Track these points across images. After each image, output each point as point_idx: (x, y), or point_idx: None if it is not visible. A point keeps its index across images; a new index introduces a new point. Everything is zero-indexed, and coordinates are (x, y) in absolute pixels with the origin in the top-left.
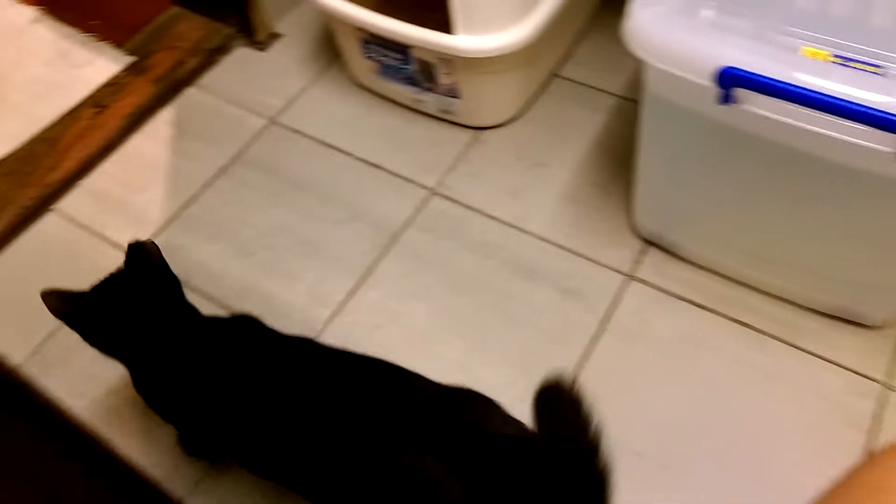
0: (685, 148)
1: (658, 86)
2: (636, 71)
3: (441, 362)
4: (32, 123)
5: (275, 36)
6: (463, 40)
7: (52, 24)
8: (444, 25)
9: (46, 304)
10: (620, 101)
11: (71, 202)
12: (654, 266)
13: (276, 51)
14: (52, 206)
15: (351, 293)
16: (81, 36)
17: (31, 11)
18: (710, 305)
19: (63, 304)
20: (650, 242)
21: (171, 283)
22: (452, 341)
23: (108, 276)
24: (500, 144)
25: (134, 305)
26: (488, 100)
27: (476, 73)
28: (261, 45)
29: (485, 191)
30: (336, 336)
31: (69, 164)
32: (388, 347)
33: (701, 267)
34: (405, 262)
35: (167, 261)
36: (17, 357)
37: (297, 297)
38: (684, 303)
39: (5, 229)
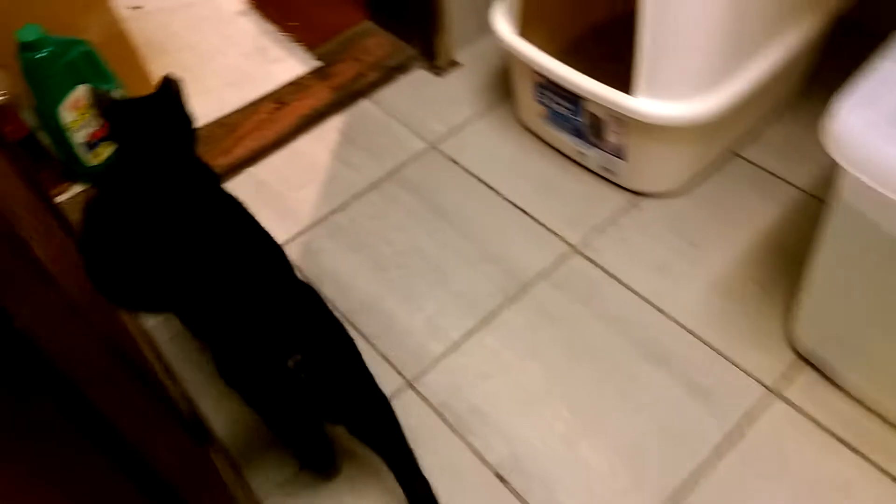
0: (872, 268)
1: (854, 196)
2: (828, 168)
3: (544, 429)
4: (218, 108)
5: (454, 64)
6: (641, 103)
7: (256, 18)
8: (625, 81)
9: (93, 100)
10: (803, 196)
11: (234, 185)
12: (806, 388)
13: (452, 78)
14: None
15: (468, 334)
16: (279, 34)
17: (239, 3)
18: (863, 449)
19: (103, 102)
20: (806, 360)
21: (182, 122)
22: (561, 411)
23: (145, 96)
24: (656, 215)
25: (146, 126)
26: (655, 166)
27: (647, 138)
28: (438, 71)
29: (630, 260)
30: (443, 375)
31: (241, 151)
32: (493, 400)
33: (860, 401)
34: (530, 316)
35: (298, 264)
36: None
37: (416, 325)
38: (833, 439)
39: None
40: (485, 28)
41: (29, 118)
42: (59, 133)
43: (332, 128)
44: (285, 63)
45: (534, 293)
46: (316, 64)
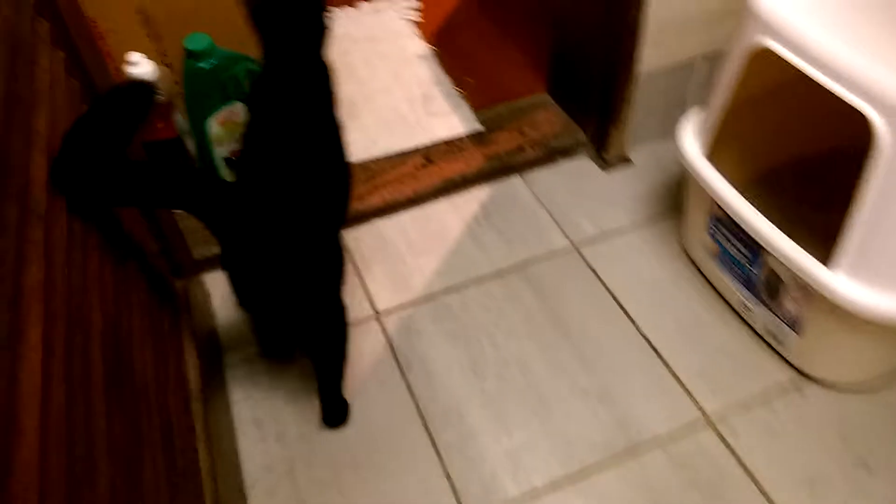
0: None
1: None
2: None
3: None
4: (367, 148)
5: (624, 160)
6: (841, 283)
7: (434, 65)
8: (823, 239)
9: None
10: None
11: (357, 234)
12: None
13: (618, 176)
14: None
15: (553, 485)
16: (451, 87)
17: (424, 48)
18: None
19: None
20: None
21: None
22: None
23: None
24: (823, 409)
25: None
26: (835, 352)
27: (835, 319)
28: (605, 164)
29: (775, 459)
30: None
31: (375, 200)
32: None
33: None
34: (632, 489)
35: (393, 338)
36: None
37: (497, 452)
38: None
39: None
40: (668, 130)
41: (181, 122)
42: (204, 143)
43: (473, 198)
44: (446, 118)
45: (644, 461)
46: (477, 127)
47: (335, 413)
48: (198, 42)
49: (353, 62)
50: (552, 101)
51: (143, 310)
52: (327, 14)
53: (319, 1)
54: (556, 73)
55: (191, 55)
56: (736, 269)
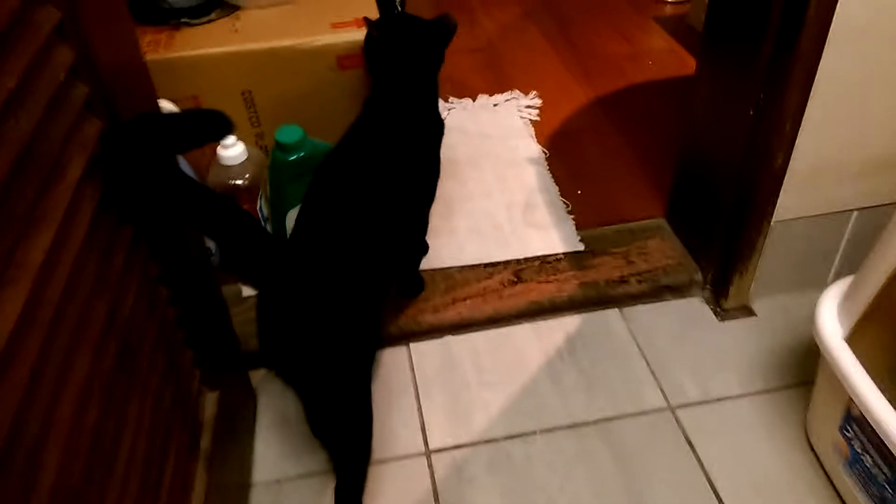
0: None
1: None
2: None
3: None
4: (452, 254)
5: (745, 311)
6: None
7: (544, 171)
8: None
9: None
10: None
11: (425, 348)
12: None
13: (735, 328)
14: (409, 342)
15: None
16: (557, 196)
17: (536, 150)
18: None
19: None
20: None
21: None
22: None
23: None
24: None
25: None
26: None
27: None
28: (721, 312)
29: None
30: None
31: (450, 315)
32: None
33: None
34: None
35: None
36: None
37: None
38: None
39: None
40: (804, 283)
41: (264, 208)
42: (281, 235)
43: (560, 327)
44: (546, 232)
45: None
46: (578, 246)
47: None
48: (289, 135)
49: (458, 158)
50: (669, 230)
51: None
52: (443, 45)
53: (438, 33)
54: (678, 199)
55: (280, 147)
56: (870, 485)
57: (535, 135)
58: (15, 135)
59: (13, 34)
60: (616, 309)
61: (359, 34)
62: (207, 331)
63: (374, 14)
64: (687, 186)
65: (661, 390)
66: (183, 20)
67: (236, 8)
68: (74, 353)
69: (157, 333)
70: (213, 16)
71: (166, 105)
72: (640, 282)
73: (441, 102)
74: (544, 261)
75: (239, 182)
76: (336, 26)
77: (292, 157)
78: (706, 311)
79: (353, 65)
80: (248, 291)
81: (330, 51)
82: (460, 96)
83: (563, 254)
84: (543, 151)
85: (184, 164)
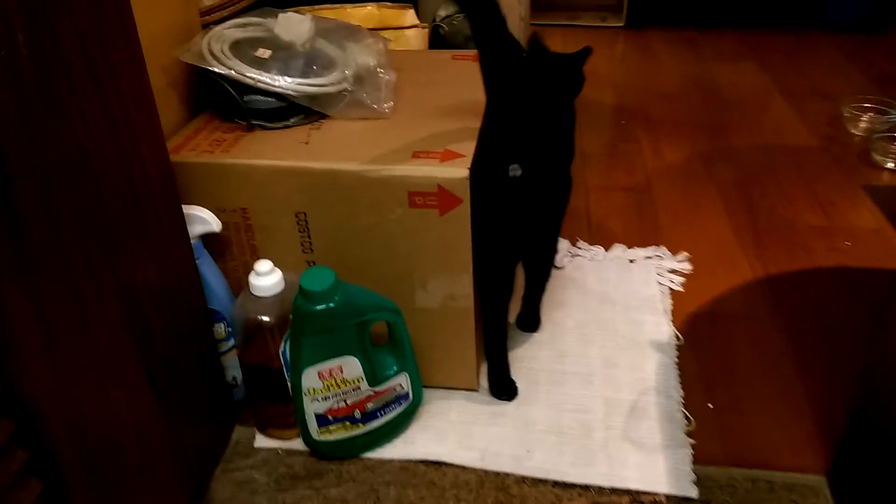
0: None
1: None
2: None
3: None
4: (516, 457)
5: None
6: None
7: (670, 363)
8: None
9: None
10: None
11: None
12: None
13: None
14: None
15: None
16: (679, 405)
17: (668, 331)
18: None
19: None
20: None
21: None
22: None
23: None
24: None
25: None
26: None
27: None
28: None
29: None
30: None
31: None
32: None
33: None
34: None
35: None
36: None
37: None
38: None
39: None
40: None
41: (287, 352)
42: (296, 391)
43: None
44: (649, 457)
45: None
46: (689, 491)
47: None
48: (316, 280)
49: (564, 323)
50: (828, 493)
51: None
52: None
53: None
54: (851, 453)
55: (304, 294)
56: None
57: (672, 311)
58: None
59: None
60: None
61: (439, 170)
62: None
63: (470, 149)
64: (868, 437)
65: None
66: (256, 122)
67: (322, 116)
68: None
69: None
70: (291, 121)
71: (198, 212)
72: None
73: (567, 244)
74: (636, 499)
75: (266, 319)
76: (417, 156)
77: (318, 308)
78: None
79: (426, 204)
80: (260, 442)
81: (400, 184)
82: (592, 242)
83: (666, 497)
84: (677, 336)
85: (218, 275)
